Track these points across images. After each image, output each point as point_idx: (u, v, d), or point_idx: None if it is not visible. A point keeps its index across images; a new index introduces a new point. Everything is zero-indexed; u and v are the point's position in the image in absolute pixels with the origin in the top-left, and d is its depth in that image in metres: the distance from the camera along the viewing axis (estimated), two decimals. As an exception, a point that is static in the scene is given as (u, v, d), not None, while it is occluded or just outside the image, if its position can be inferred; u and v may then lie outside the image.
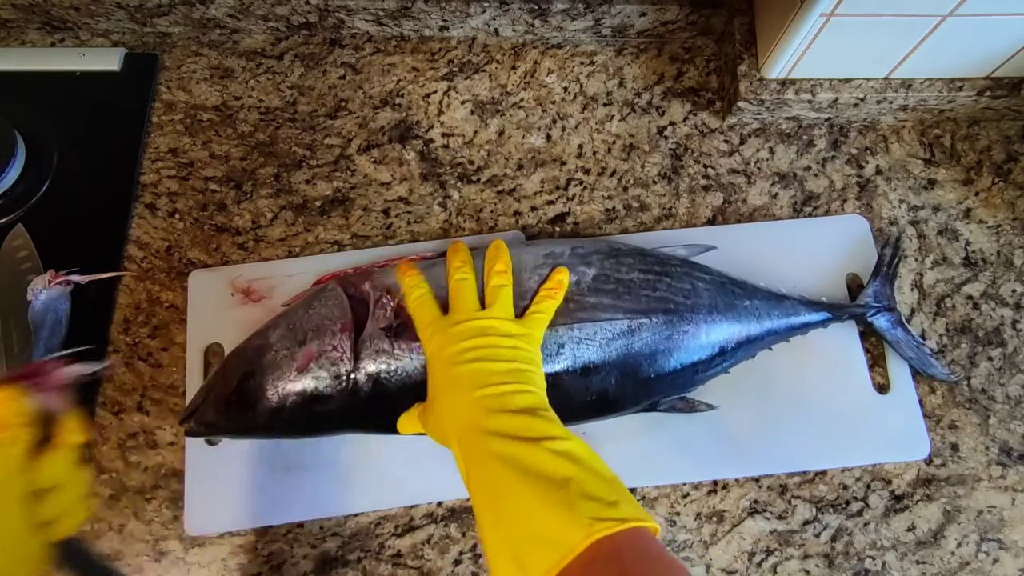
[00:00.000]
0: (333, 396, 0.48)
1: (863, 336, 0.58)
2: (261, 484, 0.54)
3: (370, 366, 0.48)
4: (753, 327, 0.53)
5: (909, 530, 0.55)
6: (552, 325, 0.49)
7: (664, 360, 0.50)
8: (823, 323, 0.55)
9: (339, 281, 0.53)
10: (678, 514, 0.55)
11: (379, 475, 0.54)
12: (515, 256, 0.51)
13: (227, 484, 0.54)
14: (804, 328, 0.55)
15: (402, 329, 0.49)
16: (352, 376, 0.48)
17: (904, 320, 0.57)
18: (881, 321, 0.56)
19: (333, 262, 0.60)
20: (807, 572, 0.54)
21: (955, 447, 0.56)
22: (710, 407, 0.53)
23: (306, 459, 0.54)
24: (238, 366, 0.50)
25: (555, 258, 0.52)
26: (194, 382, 0.56)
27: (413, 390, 0.48)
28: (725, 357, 0.52)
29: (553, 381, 0.48)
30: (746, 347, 0.53)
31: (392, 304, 0.50)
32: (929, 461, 0.56)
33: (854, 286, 0.60)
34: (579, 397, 0.50)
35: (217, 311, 0.58)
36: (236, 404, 0.49)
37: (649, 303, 0.50)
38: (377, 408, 0.49)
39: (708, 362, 0.52)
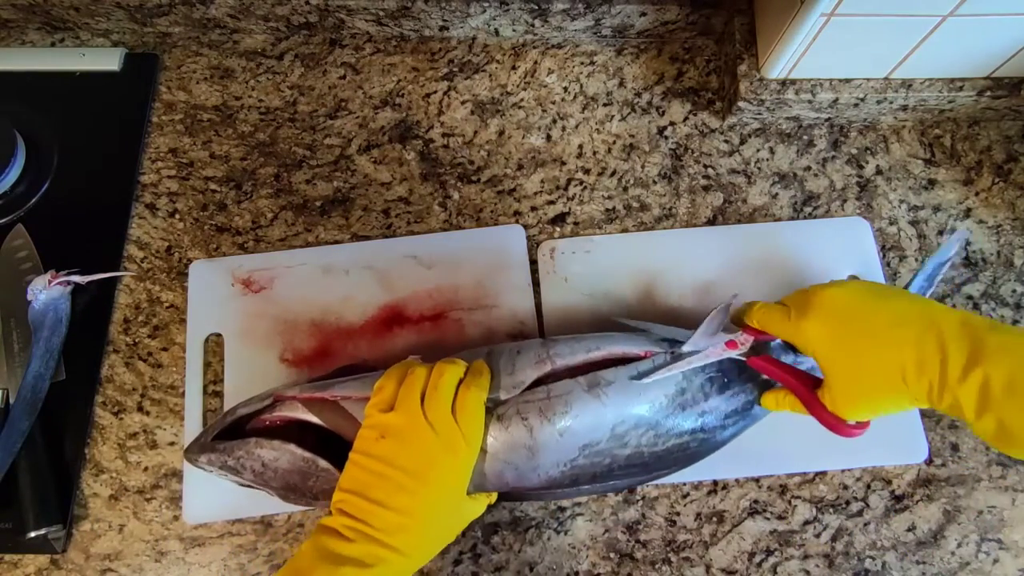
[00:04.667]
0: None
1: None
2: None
3: None
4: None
5: (909, 530, 0.55)
6: (575, 482, 0.47)
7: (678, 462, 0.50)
8: None
9: (305, 404, 0.49)
10: (678, 514, 0.55)
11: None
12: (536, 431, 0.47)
13: (227, 484, 0.54)
14: None
15: None
16: None
17: None
18: None
19: (335, 254, 0.60)
20: (807, 572, 0.54)
21: (955, 447, 0.56)
22: None
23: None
24: (236, 471, 0.48)
25: (593, 446, 0.47)
26: (194, 375, 0.57)
27: None
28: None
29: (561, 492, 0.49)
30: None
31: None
32: (929, 461, 0.56)
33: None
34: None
35: (217, 301, 0.59)
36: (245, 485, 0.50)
37: (676, 461, 0.49)
38: None
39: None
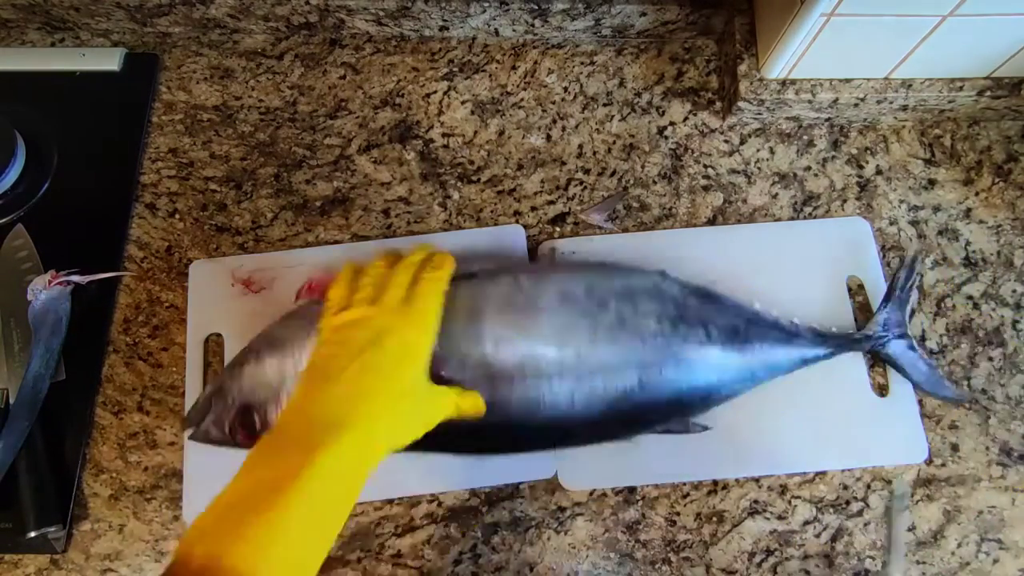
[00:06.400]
0: None
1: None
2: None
3: None
4: (760, 372, 0.53)
5: (909, 530, 0.55)
6: (561, 375, 0.48)
7: (669, 405, 0.51)
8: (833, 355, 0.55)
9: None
10: (678, 514, 0.55)
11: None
12: (524, 282, 0.51)
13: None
14: (812, 362, 0.55)
15: None
16: None
17: (916, 344, 0.56)
18: (893, 348, 0.55)
19: (335, 254, 0.60)
20: (807, 572, 0.54)
21: (955, 447, 0.56)
22: (705, 428, 0.53)
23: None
24: (238, 394, 0.49)
25: (568, 297, 0.50)
26: (194, 375, 0.57)
27: None
28: (726, 396, 0.53)
29: (562, 423, 0.50)
30: (749, 383, 0.53)
31: None
32: (929, 461, 0.56)
33: (854, 287, 0.60)
34: (580, 435, 0.52)
35: (218, 301, 0.59)
36: (239, 428, 0.49)
37: (662, 355, 0.50)
38: None
39: (708, 400, 0.53)
